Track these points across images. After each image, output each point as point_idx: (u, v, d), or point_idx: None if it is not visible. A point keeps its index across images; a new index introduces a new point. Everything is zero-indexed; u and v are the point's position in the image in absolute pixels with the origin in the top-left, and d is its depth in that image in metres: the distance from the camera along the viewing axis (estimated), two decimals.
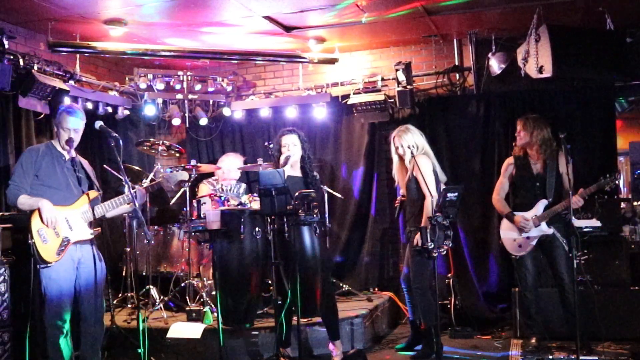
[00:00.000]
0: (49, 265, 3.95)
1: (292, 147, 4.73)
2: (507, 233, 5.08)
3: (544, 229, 4.88)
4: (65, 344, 4.03)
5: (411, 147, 4.79)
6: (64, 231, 4.02)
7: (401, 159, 4.91)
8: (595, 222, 5.14)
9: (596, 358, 4.55)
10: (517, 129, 5.06)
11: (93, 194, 4.24)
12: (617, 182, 4.71)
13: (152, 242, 5.94)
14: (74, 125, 4.17)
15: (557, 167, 4.92)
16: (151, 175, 5.91)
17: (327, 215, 5.92)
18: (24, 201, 4.00)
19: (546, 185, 4.91)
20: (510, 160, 5.18)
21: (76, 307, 4.12)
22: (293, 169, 4.74)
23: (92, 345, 4.18)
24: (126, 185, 4.13)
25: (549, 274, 5.09)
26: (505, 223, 5.11)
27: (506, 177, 5.16)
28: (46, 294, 3.98)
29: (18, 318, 4.56)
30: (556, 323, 5.10)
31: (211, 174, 6.48)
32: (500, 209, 5.14)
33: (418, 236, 4.60)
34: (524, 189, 5.05)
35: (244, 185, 6.38)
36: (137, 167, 6.37)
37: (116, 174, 5.50)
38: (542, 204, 4.90)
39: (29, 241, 3.90)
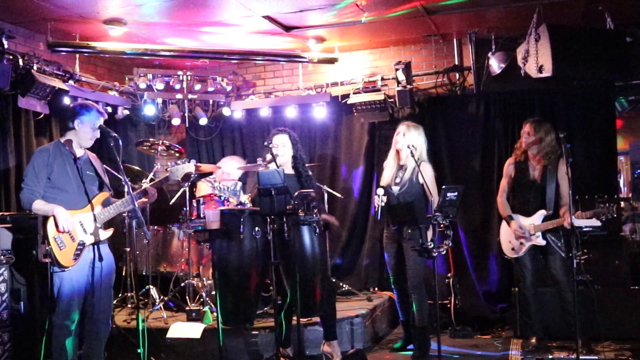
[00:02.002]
0: (65, 269, 3.93)
1: (281, 147, 4.76)
2: (505, 234, 5.08)
3: (538, 239, 4.86)
4: (70, 344, 4.01)
5: (411, 146, 4.82)
6: (79, 235, 3.99)
7: (397, 152, 4.95)
8: (595, 222, 5.12)
9: (596, 357, 4.55)
10: (525, 130, 4.99)
11: (104, 195, 4.22)
12: (614, 215, 4.65)
13: (150, 239, 5.91)
14: (99, 124, 4.17)
15: (557, 176, 4.89)
16: (151, 175, 5.91)
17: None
18: (39, 207, 3.95)
19: (545, 195, 4.88)
20: (511, 160, 5.15)
21: (83, 306, 4.09)
22: (286, 169, 4.75)
23: (97, 345, 4.16)
24: (126, 186, 4.12)
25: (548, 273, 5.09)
26: (505, 224, 5.11)
27: (507, 179, 5.14)
28: (59, 295, 3.95)
29: (18, 318, 4.56)
30: (556, 323, 5.10)
31: (210, 173, 6.47)
32: (501, 210, 5.13)
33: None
34: (520, 194, 5.04)
35: (240, 184, 6.37)
36: (137, 167, 6.37)
37: (116, 173, 5.49)
38: (541, 214, 4.87)
39: (46, 247, 3.85)
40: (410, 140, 4.88)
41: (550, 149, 4.91)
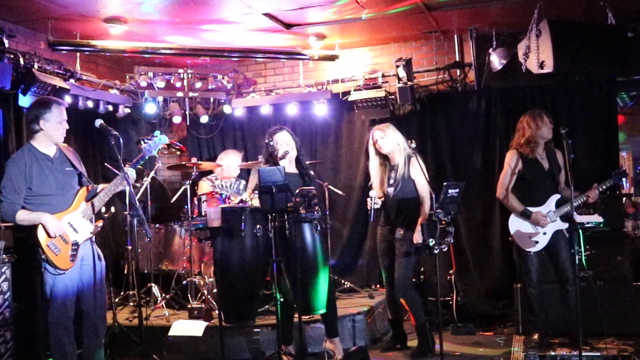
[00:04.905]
0: (65, 272, 3.93)
1: (289, 142, 4.75)
2: (522, 230, 4.90)
3: (560, 224, 4.84)
4: (68, 342, 4.00)
5: (399, 144, 4.85)
6: (71, 236, 3.98)
7: (380, 155, 4.95)
8: (597, 218, 5.10)
9: (598, 354, 4.53)
10: (545, 121, 4.88)
11: (87, 189, 4.16)
12: (627, 174, 4.73)
13: (152, 238, 5.91)
14: (65, 116, 4.08)
15: (557, 162, 4.92)
16: (152, 173, 5.92)
17: (327, 212, 5.94)
18: (24, 218, 3.90)
19: (556, 181, 4.89)
20: (516, 155, 4.95)
21: (78, 305, 4.09)
22: (289, 166, 4.75)
23: (95, 343, 4.15)
24: (127, 185, 4.11)
25: (551, 270, 5.06)
26: (515, 219, 4.95)
27: (514, 172, 4.94)
28: (52, 292, 3.94)
29: (20, 317, 4.57)
30: (558, 319, 5.09)
31: (211, 171, 6.48)
32: (514, 206, 4.92)
33: (417, 234, 4.60)
34: (535, 186, 4.92)
35: (243, 182, 6.38)
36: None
37: (117, 171, 5.49)
38: (554, 199, 4.86)
39: (42, 256, 3.85)
40: (393, 140, 4.87)
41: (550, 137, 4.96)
